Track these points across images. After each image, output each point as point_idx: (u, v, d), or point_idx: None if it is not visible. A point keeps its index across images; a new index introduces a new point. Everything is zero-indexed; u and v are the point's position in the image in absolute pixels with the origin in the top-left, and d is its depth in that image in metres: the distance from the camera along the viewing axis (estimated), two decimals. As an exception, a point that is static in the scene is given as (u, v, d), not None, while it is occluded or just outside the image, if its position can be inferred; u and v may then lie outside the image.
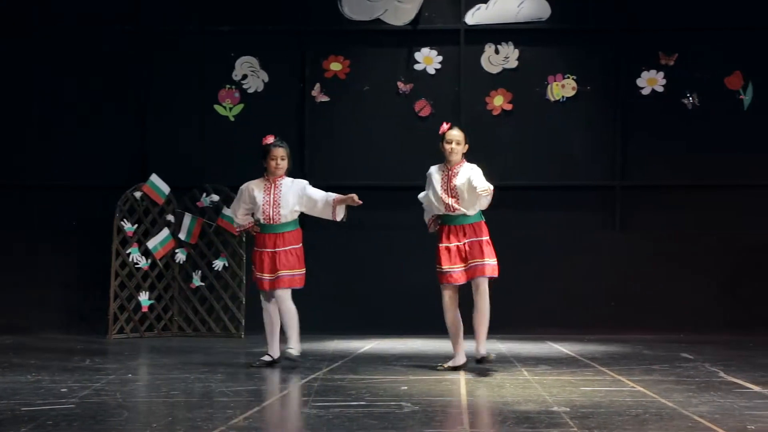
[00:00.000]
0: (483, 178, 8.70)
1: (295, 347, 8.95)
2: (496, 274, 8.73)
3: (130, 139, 12.58)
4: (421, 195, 9.01)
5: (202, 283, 12.23)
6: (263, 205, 9.02)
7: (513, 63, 12.53)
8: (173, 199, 12.25)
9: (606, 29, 12.52)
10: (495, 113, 12.53)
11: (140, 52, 12.60)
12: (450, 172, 8.84)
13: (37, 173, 12.53)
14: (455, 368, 8.78)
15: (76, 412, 6.54)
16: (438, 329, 11.75)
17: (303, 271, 9.09)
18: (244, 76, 12.59)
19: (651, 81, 12.42)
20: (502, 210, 12.33)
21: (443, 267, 8.73)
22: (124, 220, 12.00)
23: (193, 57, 12.59)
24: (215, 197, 12.21)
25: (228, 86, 12.58)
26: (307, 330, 11.78)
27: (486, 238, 8.79)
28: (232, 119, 12.59)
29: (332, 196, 9.09)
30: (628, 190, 12.41)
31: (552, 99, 12.50)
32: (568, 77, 12.47)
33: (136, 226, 12.06)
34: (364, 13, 12.54)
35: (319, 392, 7.42)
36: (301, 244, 9.09)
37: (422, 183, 12.37)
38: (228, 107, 12.59)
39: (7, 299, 12.31)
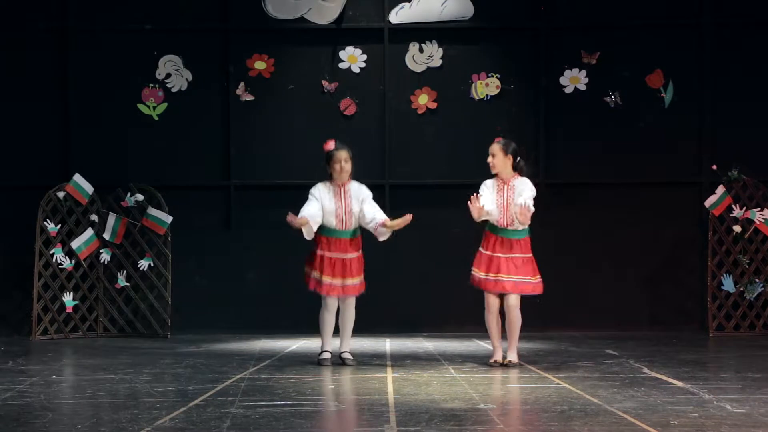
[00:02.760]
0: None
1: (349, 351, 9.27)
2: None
3: (53, 138, 12.43)
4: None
5: (128, 284, 12.13)
6: (337, 210, 9.08)
7: (437, 62, 12.58)
8: (97, 198, 12.14)
9: (529, 28, 12.61)
10: (420, 112, 12.57)
11: (63, 50, 12.44)
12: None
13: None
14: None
15: (-1, 415, 6.46)
16: (365, 327, 11.82)
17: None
18: (168, 75, 12.50)
19: (574, 79, 12.54)
20: (431, 209, 12.47)
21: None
22: (47, 220, 11.87)
23: (117, 55, 12.46)
24: (140, 197, 12.11)
25: (151, 85, 12.48)
26: (234, 330, 11.82)
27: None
28: (156, 118, 12.49)
29: (381, 218, 9.13)
30: (551, 187, 12.51)
31: (476, 97, 12.57)
32: (492, 76, 12.55)
33: (59, 226, 11.93)
34: (287, 11, 12.51)
35: (246, 392, 7.40)
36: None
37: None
38: (152, 106, 12.49)
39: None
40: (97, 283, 12.17)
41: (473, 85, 12.56)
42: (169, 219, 11.93)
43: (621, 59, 12.50)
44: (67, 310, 11.97)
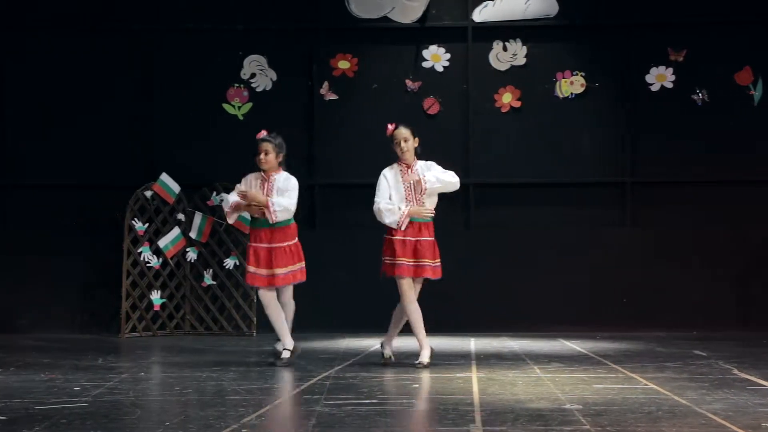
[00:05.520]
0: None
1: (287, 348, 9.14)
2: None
3: (140, 138, 12.59)
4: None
5: (214, 282, 12.24)
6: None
7: (521, 60, 12.52)
8: (183, 197, 12.27)
9: (614, 25, 12.50)
10: (503, 110, 12.52)
11: (150, 51, 12.60)
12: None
13: (47, 172, 12.52)
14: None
15: (90, 411, 6.55)
16: (450, 326, 11.83)
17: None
18: (253, 75, 12.60)
19: (660, 77, 12.40)
20: (514, 208, 12.44)
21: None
22: (135, 219, 12.02)
23: (202, 55, 12.59)
24: (225, 196, 12.20)
25: (236, 85, 12.59)
26: (319, 328, 11.87)
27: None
28: (241, 118, 12.59)
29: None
30: (639, 186, 12.40)
31: (561, 96, 12.49)
32: (577, 74, 12.46)
33: (147, 225, 12.08)
34: (371, 11, 12.54)
35: (332, 390, 7.42)
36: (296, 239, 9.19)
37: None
38: (237, 106, 12.60)
39: (19, 298, 12.33)
40: (184, 282, 12.30)
41: (558, 83, 12.48)
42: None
43: (709, 56, 12.34)
44: (155, 308, 12.12)
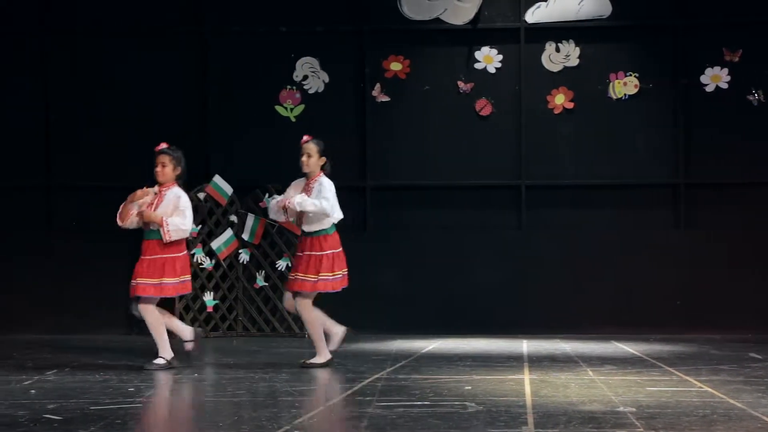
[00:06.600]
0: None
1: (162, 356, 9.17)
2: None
3: (193, 140, 12.64)
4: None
5: (266, 283, 12.28)
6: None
7: (574, 61, 12.46)
8: (236, 199, 12.33)
9: (668, 26, 12.41)
10: (556, 112, 12.46)
11: (203, 53, 12.66)
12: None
13: (98, 175, 12.60)
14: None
15: (144, 411, 6.61)
16: (503, 328, 11.80)
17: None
18: (305, 77, 12.63)
19: (715, 78, 12.28)
20: (567, 209, 12.38)
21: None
22: (188, 221, 12.08)
23: (255, 58, 12.64)
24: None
25: (289, 87, 12.63)
26: (371, 330, 11.87)
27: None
28: (293, 120, 12.63)
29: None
30: (693, 188, 12.29)
31: (614, 97, 12.41)
32: (630, 75, 12.37)
33: (200, 226, 12.15)
34: (423, 12, 12.53)
35: (383, 392, 7.43)
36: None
37: (485, 182, 12.43)
38: (289, 108, 12.64)
39: (73, 299, 12.44)
40: (237, 283, 12.35)
41: (611, 84, 12.40)
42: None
43: (765, 56, 12.20)
44: (208, 310, 12.18)
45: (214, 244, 12.16)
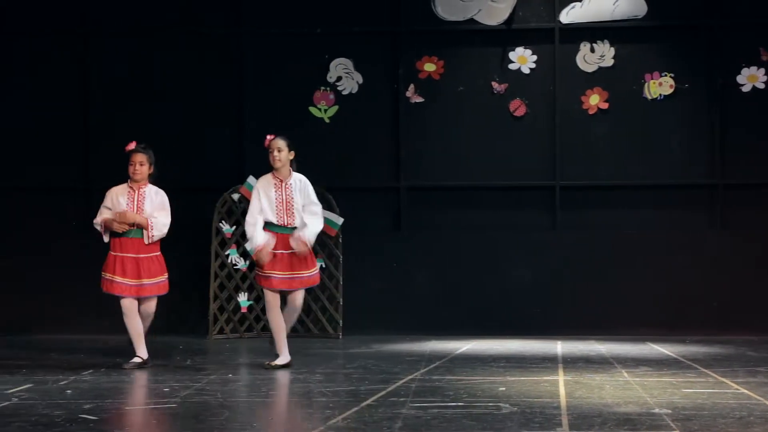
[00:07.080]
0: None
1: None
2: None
3: (228, 141, 12.71)
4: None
5: (299, 284, 12.28)
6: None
7: (609, 61, 12.41)
8: (270, 200, 12.34)
9: (704, 25, 12.34)
10: (591, 112, 12.42)
11: (238, 55, 12.71)
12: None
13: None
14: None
15: (179, 411, 6.63)
16: (537, 329, 11.78)
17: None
18: (339, 78, 12.65)
19: (752, 78, 12.21)
20: (602, 210, 12.34)
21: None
22: (223, 221, 12.13)
23: (288, 59, 12.67)
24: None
25: (323, 88, 12.65)
26: (405, 331, 11.88)
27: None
28: (327, 121, 12.65)
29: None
30: (731, 188, 12.22)
31: (649, 97, 12.36)
32: (666, 75, 12.32)
33: (234, 227, 12.18)
34: (457, 13, 12.53)
35: (417, 393, 7.42)
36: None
37: (519, 182, 12.39)
38: (323, 109, 12.66)
39: (110, 301, 12.48)
40: (271, 284, 12.35)
41: (646, 84, 12.34)
42: (340, 221, 12.04)
43: (802, 56, 12.13)
44: (242, 311, 12.21)
45: (248, 245, 12.15)
